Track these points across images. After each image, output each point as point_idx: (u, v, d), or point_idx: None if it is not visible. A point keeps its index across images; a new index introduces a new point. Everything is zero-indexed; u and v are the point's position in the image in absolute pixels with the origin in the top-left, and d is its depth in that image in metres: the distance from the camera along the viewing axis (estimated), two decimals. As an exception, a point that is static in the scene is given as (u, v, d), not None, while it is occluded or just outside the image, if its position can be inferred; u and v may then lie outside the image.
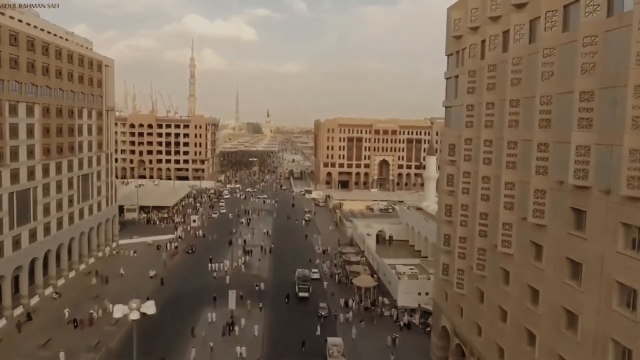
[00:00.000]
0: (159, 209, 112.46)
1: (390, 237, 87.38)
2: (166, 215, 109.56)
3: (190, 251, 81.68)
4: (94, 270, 69.87)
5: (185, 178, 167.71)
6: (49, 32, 62.94)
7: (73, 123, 66.65)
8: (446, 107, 41.59)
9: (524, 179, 27.64)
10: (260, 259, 78.94)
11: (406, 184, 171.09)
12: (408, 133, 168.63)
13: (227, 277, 68.37)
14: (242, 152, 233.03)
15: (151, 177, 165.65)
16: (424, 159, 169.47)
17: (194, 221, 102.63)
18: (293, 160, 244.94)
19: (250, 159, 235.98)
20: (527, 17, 28.04)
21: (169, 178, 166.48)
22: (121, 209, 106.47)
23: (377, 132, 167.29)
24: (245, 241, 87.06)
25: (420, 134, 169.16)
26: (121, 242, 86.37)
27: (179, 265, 75.14)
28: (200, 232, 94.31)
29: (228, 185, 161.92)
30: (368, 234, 78.66)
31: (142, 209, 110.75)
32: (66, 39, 67.63)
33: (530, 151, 26.82)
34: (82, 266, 71.08)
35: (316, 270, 70.76)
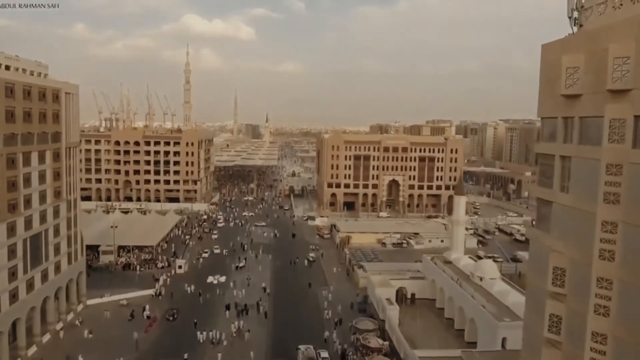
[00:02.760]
0: (141, 247, 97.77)
1: (413, 295, 72.86)
2: (148, 257, 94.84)
3: (171, 318, 66.95)
4: (46, 355, 55.43)
5: (176, 199, 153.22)
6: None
7: (15, 174, 51.92)
8: (540, 199, 26.97)
9: None
10: (256, 327, 64.78)
11: (417, 206, 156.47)
12: (420, 150, 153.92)
13: (219, 355, 55.57)
14: (240, 166, 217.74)
15: (138, 198, 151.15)
16: (437, 179, 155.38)
17: (180, 267, 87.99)
18: (293, 174, 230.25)
19: (248, 171, 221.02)
20: None
21: (157, 200, 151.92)
22: (96, 249, 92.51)
23: (386, 149, 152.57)
24: (246, 306, 71.67)
25: (433, 151, 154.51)
26: (90, 302, 71.71)
27: (155, 343, 60.19)
28: (191, 288, 78.32)
29: (222, 213, 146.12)
30: (388, 300, 64.06)
31: (122, 247, 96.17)
32: (7, 67, 52.84)
33: None
34: (32, 350, 56.34)
35: (326, 355, 56.20)
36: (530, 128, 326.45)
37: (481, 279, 62.56)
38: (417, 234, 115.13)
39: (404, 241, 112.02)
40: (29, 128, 54.13)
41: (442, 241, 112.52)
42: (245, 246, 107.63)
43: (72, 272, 66.66)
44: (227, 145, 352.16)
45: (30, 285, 55.56)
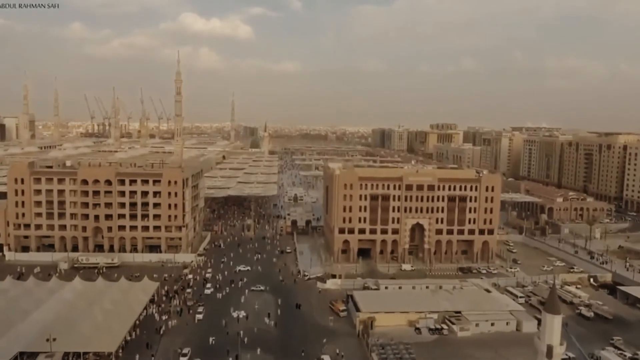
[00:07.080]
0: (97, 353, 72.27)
1: None
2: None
3: None
4: None
5: (157, 248, 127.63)
6: None
7: None
8: None
9: None
10: None
11: (445, 252, 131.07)
12: (449, 188, 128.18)
13: None
14: (234, 197, 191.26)
15: (111, 247, 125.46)
16: (469, 222, 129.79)
17: (145, 396, 62.60)
18: (295, 198, 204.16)
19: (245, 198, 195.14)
20: None
21: (134, 248, 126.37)
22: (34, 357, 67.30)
23: (408, 187, 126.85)
24: None
25: (465, 189, 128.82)
26: None
27: None
28: None
29: (212, 270, 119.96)
30: None
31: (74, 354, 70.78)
32: None
33: None
34: None
35: None
36: (551, 141, 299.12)
37: None
38: (459, 313, 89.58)
39: (444, 326, 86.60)
40: None
41: (492, 324, 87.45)
42: (240, 333, 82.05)
43: None
44: (223, 157, 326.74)
45: None
